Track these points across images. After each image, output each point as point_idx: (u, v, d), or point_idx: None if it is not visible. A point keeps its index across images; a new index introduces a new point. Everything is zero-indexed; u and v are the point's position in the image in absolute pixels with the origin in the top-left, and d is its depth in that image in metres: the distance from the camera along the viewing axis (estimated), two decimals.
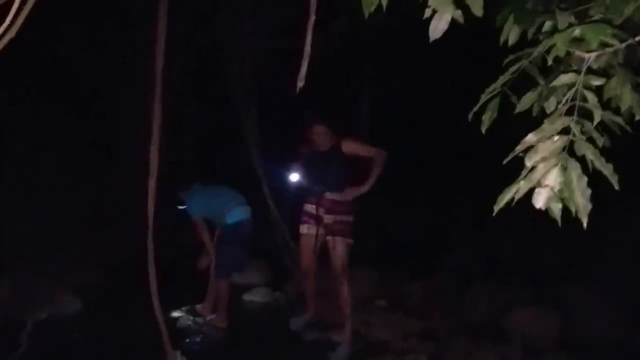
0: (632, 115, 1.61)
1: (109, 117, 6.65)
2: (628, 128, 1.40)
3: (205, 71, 7.07)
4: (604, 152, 1.43)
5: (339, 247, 4.04)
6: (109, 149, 6.71)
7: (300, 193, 4.37)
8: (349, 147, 4.02)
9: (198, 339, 4.40)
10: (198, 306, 4.82)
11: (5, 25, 1.74)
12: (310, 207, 4.21)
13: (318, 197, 4.14)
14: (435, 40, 1.81)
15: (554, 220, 1.24)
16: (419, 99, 7.38)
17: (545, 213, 1.31)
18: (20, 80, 6.01)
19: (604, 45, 1.27)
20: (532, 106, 1.80)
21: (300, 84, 2.96)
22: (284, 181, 4.66)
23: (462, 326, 4.60)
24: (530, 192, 1.15)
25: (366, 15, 1.88)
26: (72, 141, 6.53)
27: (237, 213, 4.57)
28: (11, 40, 1.80)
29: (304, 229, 4.24)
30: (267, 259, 5.81)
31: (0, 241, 4.58)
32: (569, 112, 1.22)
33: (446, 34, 1.75)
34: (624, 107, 1.43)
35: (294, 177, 4.38)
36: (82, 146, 6.61)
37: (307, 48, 2.86)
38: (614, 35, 1.27)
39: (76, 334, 4.22)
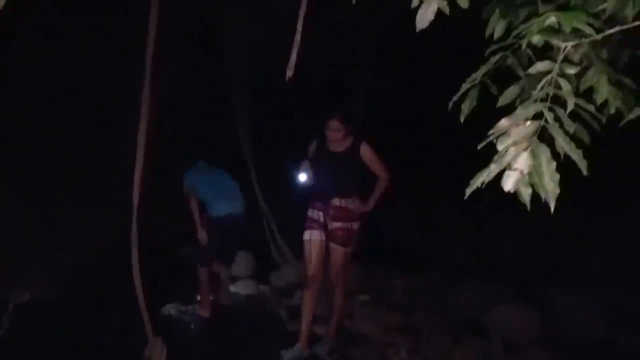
0: (619, 114, 1.63)
1: (105, 110, 6.64)
2: (599, 116, 1.42)
3: (201, 60, 7.05)
4: (586, 149, 1.45)
5: (337, 255, 3.91)
6: (103, 137, 6.68)
7: (307, 195, 4.08)
8: (366, 154, 3.84)
9: (180, 327, 4.41)
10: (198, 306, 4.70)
11: None
12: (316, 214, 3.94)
13: (325, 203, 3.90)
14: (428, 36, 1.84)
15: (541, 220, 1.25)
16: (407, 95, 7.41)
17: (532, 211, 1.32)
18: (18, 78, 6.00)
19: (580, 35, 1.28)
20: (516, 100, 1.82)
21: (290, 73, 3.00)
22: (292, 179, 4.25)
23: (444, 322, 4.64)
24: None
25: (353, 1, 1.90)
26: (66, 131, 6.51)
27: (223, 207, 4.54)
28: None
29: (307, 235, 3.93)
30: (254, 251, 5.82)
31: None
32: (545, 100, 1.24)
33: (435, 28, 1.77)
34: (600, 100, 1.45)
35: (302, 177, 3.98)
36: (76, 136, 6.58)
37: (298, 37, 2.89)
38: (589, 25, 1.29)
39: (56, 318, 4.21)
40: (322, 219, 3.92)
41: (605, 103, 1.46)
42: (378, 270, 5.57)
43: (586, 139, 1.62)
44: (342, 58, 7.51)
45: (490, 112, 1.86)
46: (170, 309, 4.69)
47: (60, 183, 5.92)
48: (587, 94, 1.65)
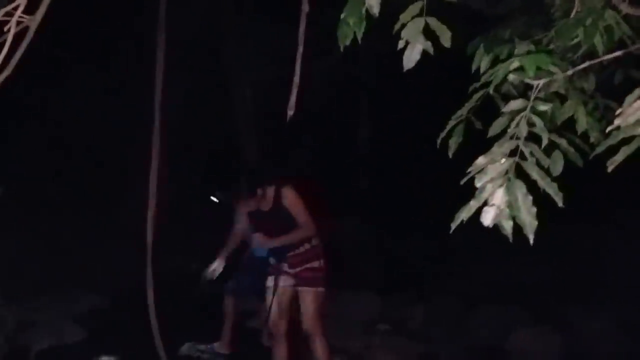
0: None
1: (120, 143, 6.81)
2: (581, 144, 1.48)
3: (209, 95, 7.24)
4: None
5: (308, 299, 3.61)
6: (115, 174, 6.83)
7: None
8: (289, 203, 3.57)
9: None
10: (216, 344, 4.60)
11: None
12: (272, 260, 3.74)
13: (279, 256, 3.68)
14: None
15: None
16: (419, 122, 7.49)
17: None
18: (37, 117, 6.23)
19: (548, 72, 1.35)
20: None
21: (290, 112, 3.10)
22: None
23: (465, 349, 4.60)
24: None
25: (341, 48, 1.99)
26: (79, 168, 6.69)
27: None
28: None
29: (269, 280, 3.71)
30: None
31: (6, 270, 4.68)
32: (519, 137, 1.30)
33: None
34: (580, 130, 1.51)
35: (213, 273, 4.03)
36: (89, 173, 6.75)
37: (296, 79, 3.00)
38: (554, 64, 1.36)
39: None
40: (280, 267, 3.68)
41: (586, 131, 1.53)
42: (394, 297, 5.55)
43: (580, 163, 1.67)
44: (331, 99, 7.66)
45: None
46: (188, 348, 4.70)
47: (77, 223, 6.05)
48: (570, 122, 1.72)
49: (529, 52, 1.57)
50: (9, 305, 4.52)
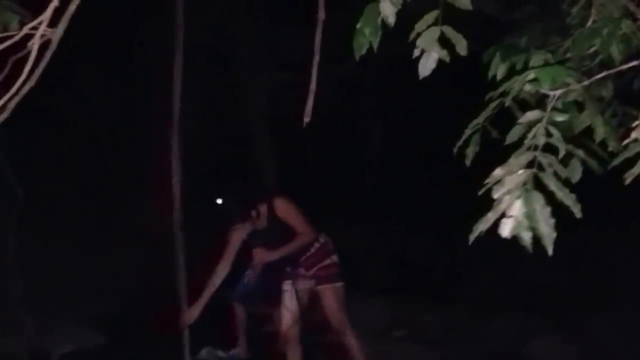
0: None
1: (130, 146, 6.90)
2: (604, 154, 1.48)
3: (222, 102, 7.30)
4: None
5: (329, 295, 3.65)
6: (132, 175, 6.90)
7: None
8: (283, 214, 3.55)
9: None
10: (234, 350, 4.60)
11: (26, 72, 1.90)
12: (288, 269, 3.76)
13: (291, 265, 3.70)
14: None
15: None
16: (434, 124, 7.48)
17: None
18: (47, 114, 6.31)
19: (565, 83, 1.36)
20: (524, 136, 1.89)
21: (307, 119, 3.12)
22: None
23: (482, 356, 4.57)
24: None
25: (357, 57, 2.01)
26: (95, 168, 6.78)
27: None
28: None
29: (284, 285, 3.72)
30: None
31: (27, 275, 4.75)
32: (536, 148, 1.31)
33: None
34: (598, 139, 1.51)
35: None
36: (105, 174, 6.83)
37: (313, 86, 3.03)
38: (570, 75, 1.36)
39: None
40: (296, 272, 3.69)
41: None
42: (408, 302, 5.52)
43: (600, 171, 1.66)
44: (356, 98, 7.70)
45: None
46: (207, 353, 4.71)
47: (89, 227, 6.11)
48: (588, 129, 1.71)
49: (545, 63, 1.57)
50: (30, 309, 4.59)
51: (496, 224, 1.29)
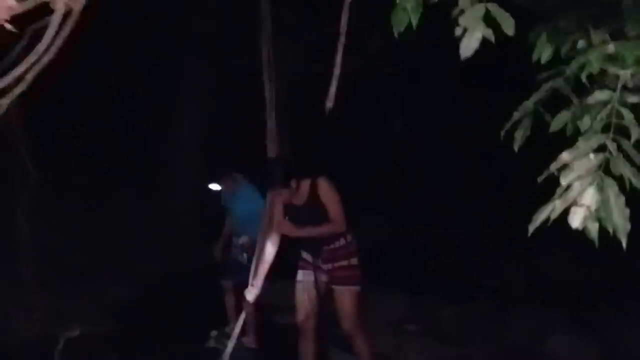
0: None
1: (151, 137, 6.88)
2: None
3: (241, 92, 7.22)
4: None
5: (343, 298, 3.49)
6: (150, 165, 6.86)
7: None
8: (325, 196, 3.45)
9: None
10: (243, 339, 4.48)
11: (45, 44, 1.81)
12: (306, 255, 3.64)
13: (314, 251, 3.58)
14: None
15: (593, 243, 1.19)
16: (453, 117, 7.35)
17: (582, 234, 1.27)
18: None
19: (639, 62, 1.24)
20: (566, 125, 1.77)
21: (330, 104, 3.00)
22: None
23: (499, 352, 4.47)
24: (565, 211, 1.12)
25: (396, 34, 1.89)
26: (113, 157, 6.75)
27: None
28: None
29: (300, 275, 3.62)
30: None
31: (40, 257, 4.71)
32: (606, 130, 1.19)
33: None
34: None
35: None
36: (123, 163, 6.80)
37: (337, 70, 2.91)
38: None
39: (106, 352, 4.26)
40: (312, 262, 3.58)
41: None
42: (424, 297, 5.43)
43: None
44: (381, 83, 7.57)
45: (538, 134, 1.83)
46: (216, 339, 4.63)
47: (103, 213, 6.08)
48: None
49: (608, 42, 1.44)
50: (40, 293, 4.54)
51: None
